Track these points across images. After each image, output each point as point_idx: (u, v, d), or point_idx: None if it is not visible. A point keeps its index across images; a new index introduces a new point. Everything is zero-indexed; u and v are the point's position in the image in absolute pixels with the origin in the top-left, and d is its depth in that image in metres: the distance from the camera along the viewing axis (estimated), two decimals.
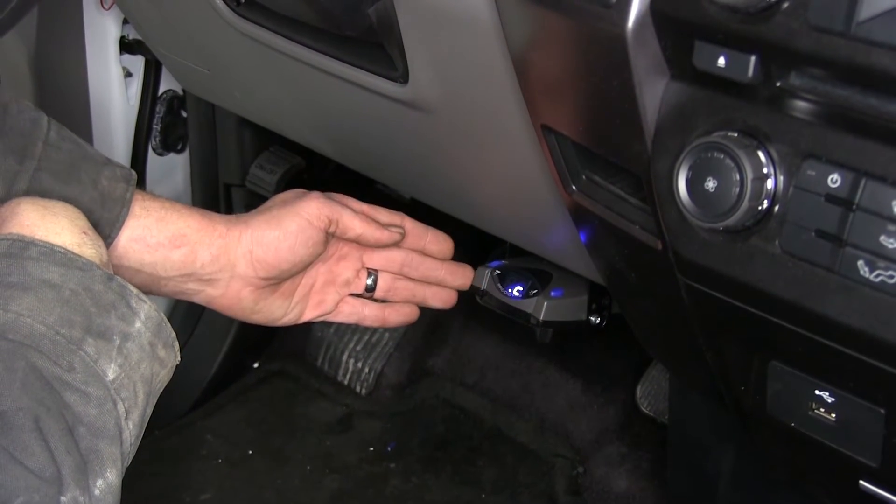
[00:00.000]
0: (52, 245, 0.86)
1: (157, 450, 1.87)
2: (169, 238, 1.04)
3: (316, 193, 1.17)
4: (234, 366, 2.10)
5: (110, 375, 0.84)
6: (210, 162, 2.00)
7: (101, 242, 0.92)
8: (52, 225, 0.88)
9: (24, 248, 0.85)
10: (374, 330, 2.07)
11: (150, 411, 0.90)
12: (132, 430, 0.85)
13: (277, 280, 1.15)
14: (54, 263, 0.85)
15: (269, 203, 1.17)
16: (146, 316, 0.89)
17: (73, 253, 0.87)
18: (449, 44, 1.10)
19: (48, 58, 1.88)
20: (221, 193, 2.02)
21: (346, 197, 1.21)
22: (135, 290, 0.89)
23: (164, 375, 0.92)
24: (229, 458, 1.87)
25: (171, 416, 1.99)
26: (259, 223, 1.12)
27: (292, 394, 2.05)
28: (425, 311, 2.08)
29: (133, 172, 1.02)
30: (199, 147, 1.97)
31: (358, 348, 2.07)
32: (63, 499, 0.77)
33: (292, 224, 1.13)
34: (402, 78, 1.19)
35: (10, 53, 1.85)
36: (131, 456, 0.87)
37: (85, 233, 0.90)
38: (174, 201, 1.07)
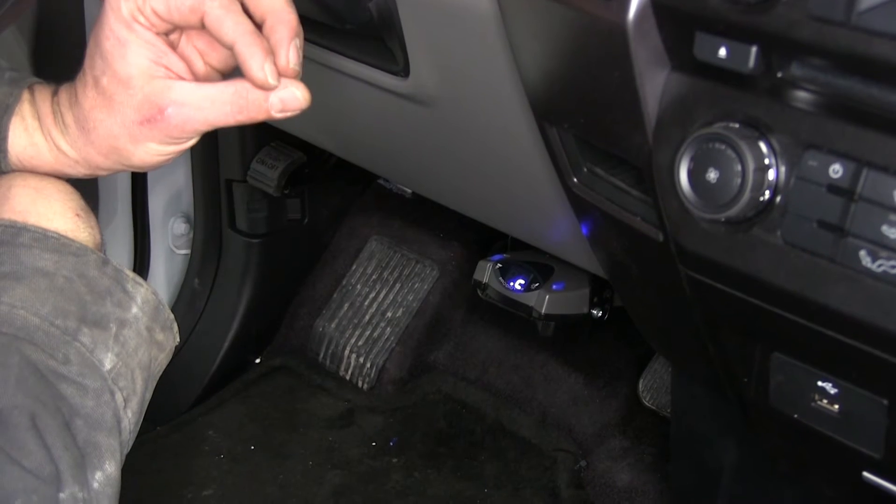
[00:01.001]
0: (45, 230, 0.85)
1: (159, 446, 1.87)
2: (56, 158, 0.90)
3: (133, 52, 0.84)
4: (235, 361, 2.10)
5: (107, 365, 0.83)
6: (211, 157, 2.00)
7: (94, 223, 0.90)
8: (45, 209, 0.86)
9: (16, 234, 0.84)
10: (376, 325, 2.07)
11: (149, 396, 0.89)
12: (131, 418, 0.85)
13: None
14: (47, 250, 0.84)
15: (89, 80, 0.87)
16: (143, 300, 0.87)
17: (66, 238, 0.85)
18: (449, 37, 1.10)
19: (48, 50, 1.88)
20: (223, 189, 2.02)
21: None
22: (130, 274, 0.88)
23: (163, 359, 0.91)
24: (231, 454, 1.87)
25: (172, 412, 1.99)
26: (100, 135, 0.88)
27: (294, 389, 2.05)
28: (427, 306, 2.10)
29: (26, 75, 0.91)
30: (200, 143, 1.95)
31: (359, 343, 2.07)
32: (61, 495, 0.77)
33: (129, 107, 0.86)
34: (403, 71, 1.19)
35: (9, 49, 1.85)
36: (131, 443, 0.86)
37: (78, 215, 0.88)
38: (63, 96, 0.89)
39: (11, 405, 0.77)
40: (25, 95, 0.89)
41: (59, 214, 0.87)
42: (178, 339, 0.92)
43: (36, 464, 0.76)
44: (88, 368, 0.82)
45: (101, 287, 0.85)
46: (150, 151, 0.87)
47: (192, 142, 0.89)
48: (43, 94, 0.90)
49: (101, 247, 0.89)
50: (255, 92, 0.83)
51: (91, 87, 0.85)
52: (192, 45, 0.88)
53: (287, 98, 0.84)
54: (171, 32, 0.86)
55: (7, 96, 0.88)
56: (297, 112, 0.85)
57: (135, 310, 0.86)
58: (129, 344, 0.85)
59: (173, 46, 0.86)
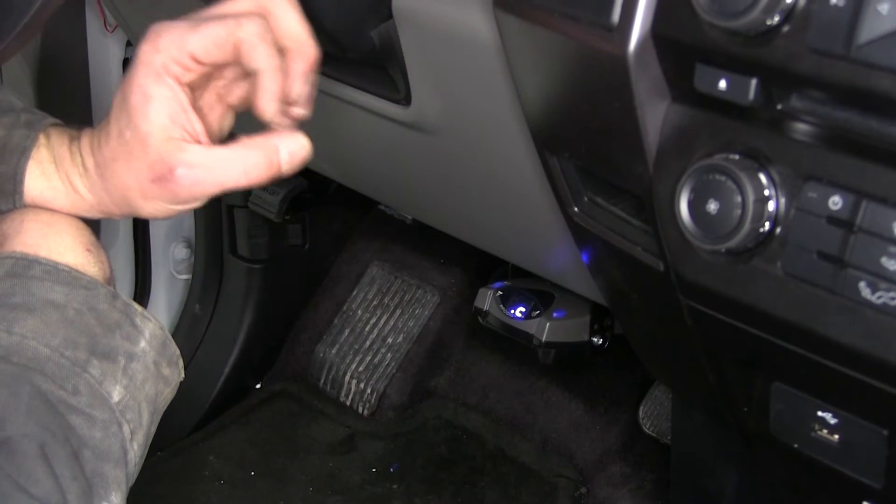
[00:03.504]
0: (57, 263, 0.85)
1: (160, 471, 1.87)
2: (73, 203, 0.91)
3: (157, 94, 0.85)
4: (236, 387, 2.10)
5: (115, 397, 0.83)
6: None
7: (104, 258, 0.91)
8: (56, 243, 0.87)
9: (27, 266, 0.84)
10: (377, 350, 2.07)
11: (153, 430, 0.90)
12: (137, 450, 0.85)
13: None
14: (58, 283, 0.84)
15: (112, 126, 0.88)
16: (151, 334, 0.88)
17: (77, 271, 0.86)
18: (451, 66, 1.10)
19: (51, 80, 1.88)
20: (224, 214, 2.03)
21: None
22: (139, 309, 0.88)
23: (168, 394, 0.92)
24: (232, 479, 1.87)
25: (173, 436, 1.98)
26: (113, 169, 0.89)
27: (295, 415, 2.05)
28: (428, 332, 2.10)
29: (42, 117, 0.92)
30: None
31: (360, 369, 2.07)
32: None
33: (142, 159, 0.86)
34: (405, 100, 1.19)
35: (13, 75, 1.86)
36: (135, 475, 0.87)
37: (88, 250, 0.89)
38: (86, 141, 0.91)
39: (22, 433, 0.77)
40: (42, 139, 0.90)
41: (70, 249, 0.88)
42: (182, 375, 0.92)
43: (44, 492, 0.76)
44: (97, 400, 0.82)
45: (110, 320, 0.86)
46: (158, 208, 0.88)
47: (199, 203, 0.90)
48: (59, 136, 0.91)
49: (111, 281, 0.90)
50: (267, 147, 0.86)
51: (114, 139, 0.87)
52: (214, 91, 0.91)
53: (294, 149, 0.87)
54: (196, 84, 0.87)
55: (24, 139, 0.89)
56: (304, 160, 0.87)
57: (143, 344, 0.87)
58: (136, 377, 0.86)
59: (192, 102, 0.87)
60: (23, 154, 0.89)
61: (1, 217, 0.90)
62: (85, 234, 0.90)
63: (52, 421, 0.79)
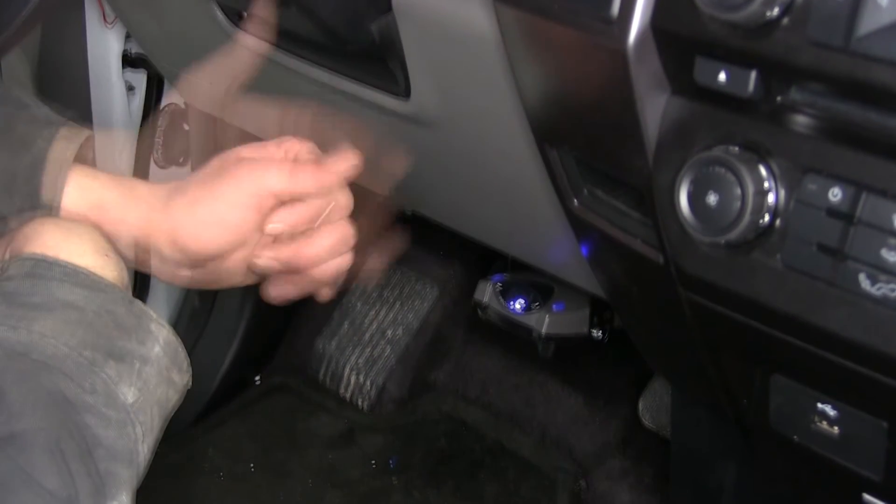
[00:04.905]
0: (76, 266, 0.87)
1: (159, 464, 1.85)
2: (88, 207, 0.94)
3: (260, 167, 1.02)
4: (235, 380, 2.10)
5: (130, 399, 0.85)
6: None
7: (122, 265, 0.92)
8: (76, 247, 0.89)
9: (48, 268, 0.86)
10: (376, 344, 2.07)
11: (161, 434, 0.91)
12: (146, 453, 0.87)
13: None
14: (78, 285, 0.86)
15: (201, 175, 1.04)
16: (164, 340, 0.90)
17: (95, 275, 0.87)
18: (450, 59, 1.10)
19: (51, 73, 1.88)
20: None
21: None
22: (154, 315, 0.90)
23: (176, 400, 0.93)
24: (231, 473, 1.87)
25: (172, 430, 1.97)
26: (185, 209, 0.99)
27: (294, 408, 2.05)
28: (427, 325, 2.10)
29: (80, 131, 0.94)
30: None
31: (360, 362, 2.07)
32: None
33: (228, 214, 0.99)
34: (404, 93, 1.19)
35: (13, 68, 1.86)
36: (142, 478, 0.88)
37: (107, 255, 0.91)
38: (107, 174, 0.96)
39: (38, 427, 0.78)
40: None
41: (89, 253, 0.89)
42: (190, 383, 0.94)
43: (56, 486, 0.77)
44: (112, 400, 0.83)
45: (127, 324, 0.87)
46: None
47: None
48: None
49: (127, 287, 0.91)
50: None
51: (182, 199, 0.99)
52: None
53: None
54: None
55: (64, 150, 0.92)
56: None
57: (157, 349, 0.89)
58: (149, 381, 0.87)
59: None
60: (62, 165, 0.91)
61: (20, 221, 0.91)
62: (102, 240, 0.92)
63: (68, 418, 0.80)
